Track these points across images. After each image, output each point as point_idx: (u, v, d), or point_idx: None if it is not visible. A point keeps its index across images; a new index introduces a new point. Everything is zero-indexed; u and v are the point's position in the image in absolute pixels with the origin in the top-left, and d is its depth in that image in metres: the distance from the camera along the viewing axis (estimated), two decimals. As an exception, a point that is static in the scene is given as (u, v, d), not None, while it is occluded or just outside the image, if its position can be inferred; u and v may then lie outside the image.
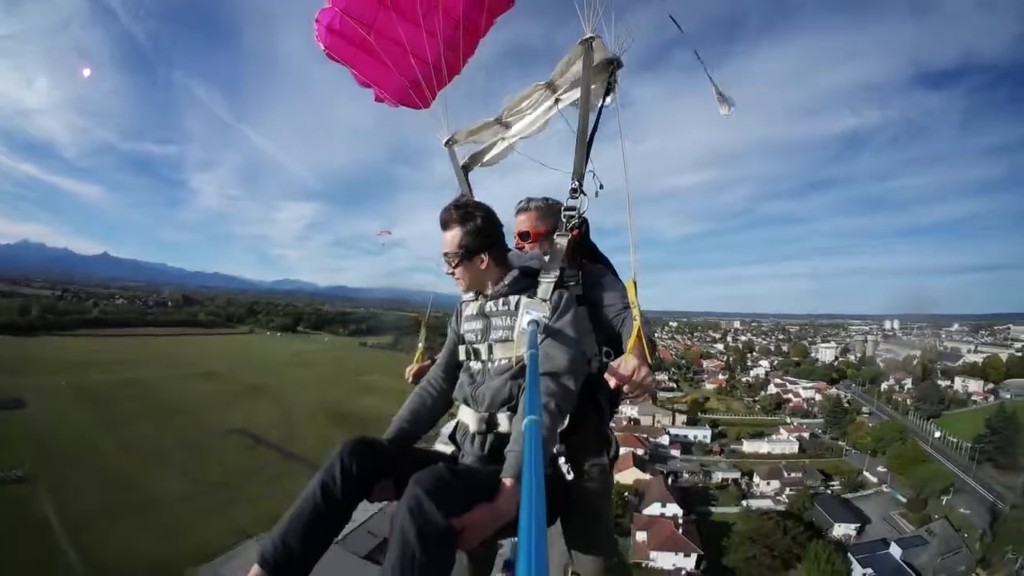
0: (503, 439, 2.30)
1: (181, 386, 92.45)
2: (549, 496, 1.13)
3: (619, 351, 2.65)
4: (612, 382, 2.00)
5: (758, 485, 71.69)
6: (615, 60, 2.84)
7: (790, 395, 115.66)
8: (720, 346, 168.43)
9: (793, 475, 73.16)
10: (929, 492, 64.91)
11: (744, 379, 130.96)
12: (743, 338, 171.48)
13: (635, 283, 2.34)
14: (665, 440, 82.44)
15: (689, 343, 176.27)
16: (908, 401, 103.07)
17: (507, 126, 3.39)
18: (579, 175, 2.75)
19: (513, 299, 2.51)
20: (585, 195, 2.74)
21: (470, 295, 2.68)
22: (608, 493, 2.81)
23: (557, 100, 3.14)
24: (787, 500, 65.21)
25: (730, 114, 2.96)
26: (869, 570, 47.42)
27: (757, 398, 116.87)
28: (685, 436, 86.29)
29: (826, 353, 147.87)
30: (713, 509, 63.95)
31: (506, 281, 2.55)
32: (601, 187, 2.80)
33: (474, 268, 2.54)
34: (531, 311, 2.26)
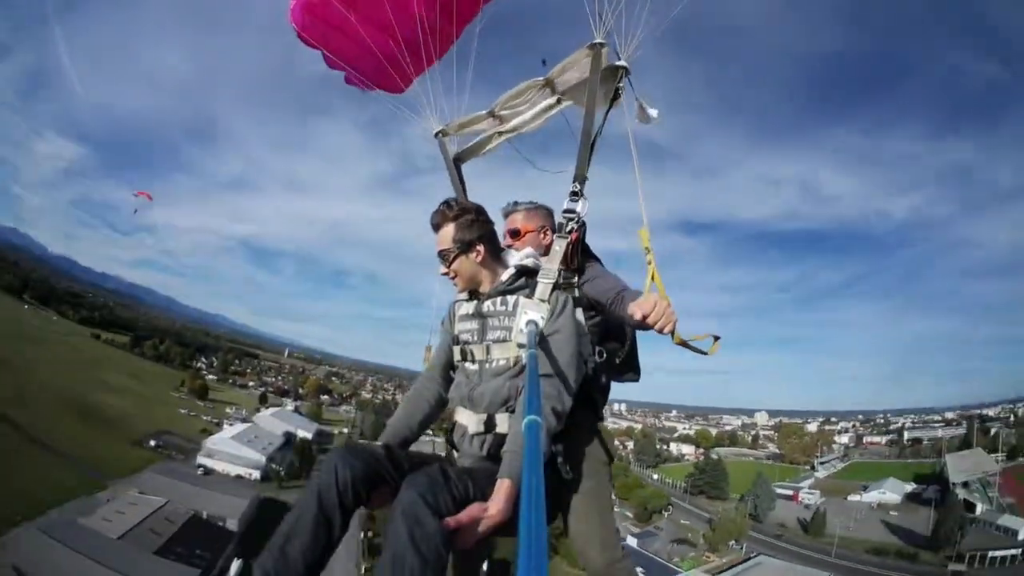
0: (502, 440, 2.25)
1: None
2: (548, 496, 1.04)
3: (614, 351, 2.86)
4: (638, 314, 2.01)
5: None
6: (623, 68, 2.86)
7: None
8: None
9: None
10: (652, 507, 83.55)
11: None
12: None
13: (647, 231, 2.40)
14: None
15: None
16: (630, 456, 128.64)
17: (500, 120, 3.34)
18: (580, 178, 2.77)
19: (511, 299, 2.47)
20: (585, 198, 2.75)
21: (463, 295, 2.66)
22: (608, 492, 2.82)
23: (559, 100, 3.14)
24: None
25: (656, 121, 3.05)
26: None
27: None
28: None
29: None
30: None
31: (503, 278, 2.52)
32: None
33: (471, 262, 2.50)
34: (529, 311, 2.24)
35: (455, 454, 2.52)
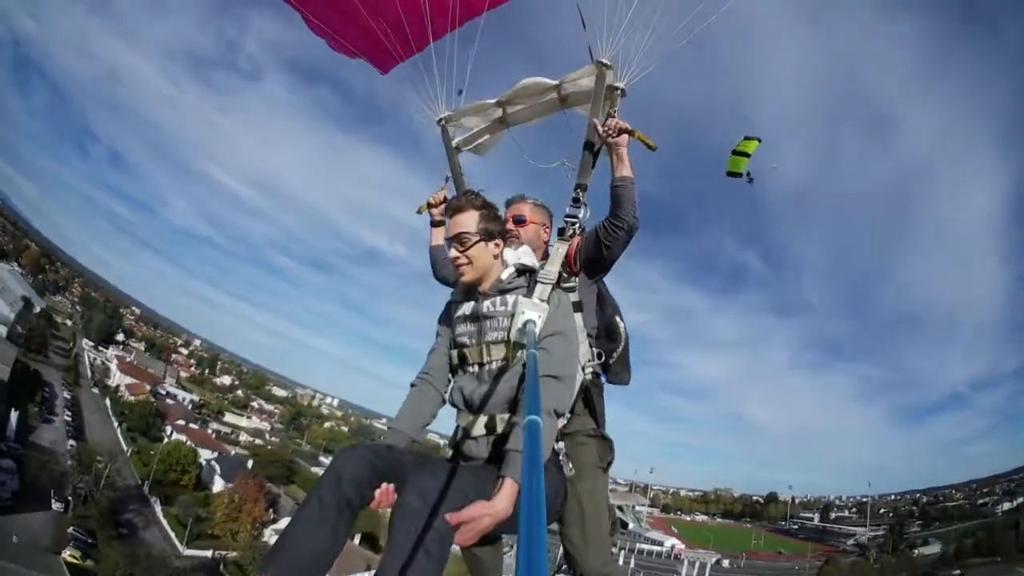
0: (503, 441, 2.17)
1: None
2: (548, 496, 1.21)
3: (609, 351, 2.90)
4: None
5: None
6: (620, 89, 3.01)
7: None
8: (185, 351, 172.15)
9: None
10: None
11: (215, 380, 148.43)
12: (206, 355, 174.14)
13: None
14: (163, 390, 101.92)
15: (156, 334, 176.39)
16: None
17: (505, 110, 3.40)
18: (582, 186, 2.92)
19: (510, 299, 2.43)
20: (587, 205, 2.89)
21: (457, 295, 2.65)
22: (604, 493, 2.83)
23: (563, 100, 3.26)
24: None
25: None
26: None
27: (236, 385, 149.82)
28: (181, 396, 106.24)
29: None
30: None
31: (503, 276, 2.49)
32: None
33: (488, 252, 2.45)
34: (528, 311, 2.22)
35: (458, 455, 2.47)
